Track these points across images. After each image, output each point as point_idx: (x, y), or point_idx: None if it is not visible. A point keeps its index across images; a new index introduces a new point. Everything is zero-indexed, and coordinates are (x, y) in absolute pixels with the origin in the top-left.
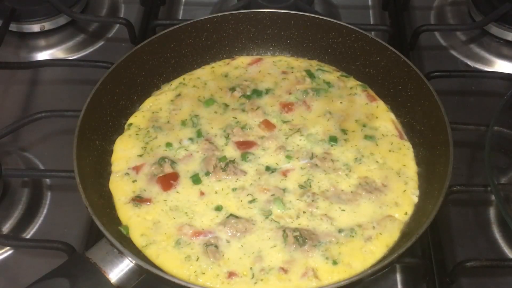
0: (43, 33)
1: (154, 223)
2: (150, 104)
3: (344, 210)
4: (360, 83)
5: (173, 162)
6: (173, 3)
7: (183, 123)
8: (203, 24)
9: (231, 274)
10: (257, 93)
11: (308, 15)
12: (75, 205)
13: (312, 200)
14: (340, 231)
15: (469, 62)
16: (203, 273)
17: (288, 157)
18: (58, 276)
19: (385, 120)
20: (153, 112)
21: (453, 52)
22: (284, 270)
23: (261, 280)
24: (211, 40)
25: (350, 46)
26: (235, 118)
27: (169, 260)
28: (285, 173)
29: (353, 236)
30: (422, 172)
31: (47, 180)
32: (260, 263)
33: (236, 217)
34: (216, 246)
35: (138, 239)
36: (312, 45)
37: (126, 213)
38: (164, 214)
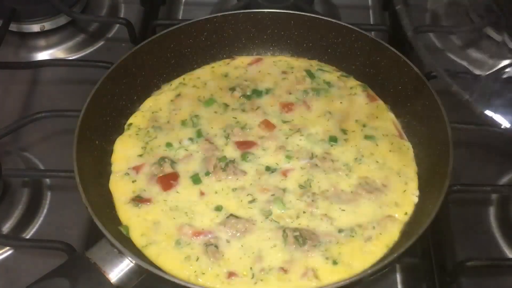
0: (43, 33)
1: (154, 223)
2: (150, 104)
3: (344, 210)
4: (360, 83)
5: (173, 162)
6: (173, 3)
7: (183, 123)
8: (203, 24)
9: (231, 274)
10: (257, 93)
11: (308, 15)
12: (75, 205)
13: (312, 200)
14: (340, 231)
15: None
16: (203, 273)
17: (288, 157)
18: (58, 276)
19: (385, 120)
20: (153, 112)
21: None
22: (284, 270)
23: (261, 280)
24: (211, 40)
25: (350, 46)
26: (235, 118)
27: (169, 260)
28: (285, 173)
29: (353, 236)
30: (422, 172)
31: (47, 180)
32: (260, 263)
33: (236, 217)
34: (216, 246)
35: (138, 239)
36: (312, 45)
37: (126, 213)
38: (164, 214)
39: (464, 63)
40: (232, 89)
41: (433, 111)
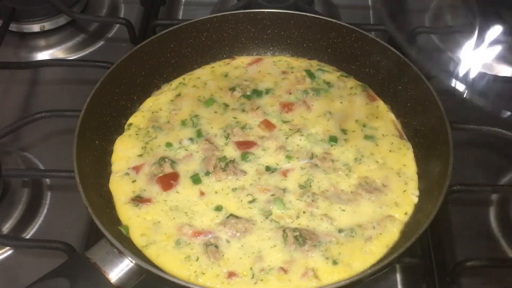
0: (43, 33)
1: (154, 223)
2: (150, 104)
3: (344, 210)
4: (360, 83)
5: (173, 162)
6: (173, 3)
7: (183, 123)
8: (203, 24)
9: (231, 274)
10: (257, 93)
11: (308, 15)
12: (75, 205)
13: (312, 200)
14: (340, 231)
15: None
16: (203, 273)
17: (288, 157)
18: (58, 276)
19: (385, 120)
20: (153, 112)
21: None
22: (284, 270)
23: (261, 280)
24: (211, 40)
25: (350, 46)
26: (235, 118)
27: (169, 260)
28: (285, 173)
29: (353, 236)
30: (422, 172)
31: (47, 180)
32: (260, 263)
33: (236, 217)
34: (216, 246)
35: (138, 239)
36: (312, 45)
37: (126, 213)
38: (164, 214)
39: (463, 62)
40: (232, 89)
41: (433, 111)
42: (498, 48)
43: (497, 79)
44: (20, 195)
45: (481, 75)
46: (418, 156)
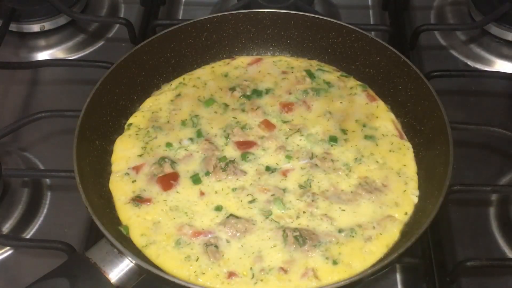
0: (43, 33)
1: (154, 223)
2: (150, 104)
3: (344, 210)
4: (360, 83)
5: (173, 162)
6: (173, 3)
7: (183, 123)
8: (203, 24)
9: (231, 274)
10: (257, 93)
11: (308, 15)
12: (75, 205)
13: (312, 200)
14: (340, 231)
15: (469, 62)
16: (203, 273)
17: (288, 157)
18: (58, 276)
19: (385, 120)
20: (153, 112)
21: (453, 52)
22: (284, 270)
23: (261, 280)
24: (211, 40)
25: (350, 46)
26: (235, 118)
27: (169, 260)
28: (285, 173)
29: (353, 236)
30: (422, 172)
31: (47, 180)
32: (260, 263)
33: (236, 217)
34: (216, 246)
35: (138, 239)
36: (312, 45)
37: (126, 213)
38: (164, 214)
39: (468, 61)
40: (232, 89)
41: (433, 111)
42: None
43: None
44: (20, 195)
45: None
46: (418, 156)
